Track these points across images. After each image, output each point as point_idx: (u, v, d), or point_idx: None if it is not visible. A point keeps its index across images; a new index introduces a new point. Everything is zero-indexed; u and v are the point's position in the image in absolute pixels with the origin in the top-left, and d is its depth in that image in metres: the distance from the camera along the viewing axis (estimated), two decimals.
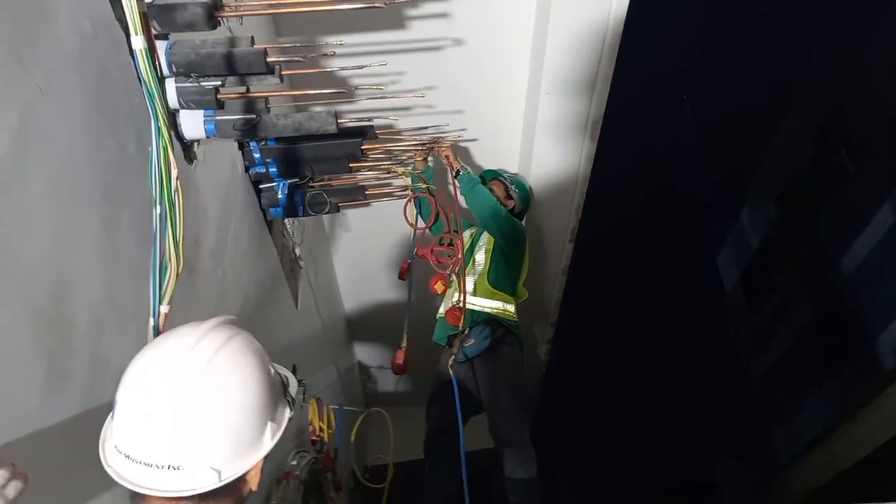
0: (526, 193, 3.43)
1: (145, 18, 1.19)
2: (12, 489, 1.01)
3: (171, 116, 1.76)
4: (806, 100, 6.64)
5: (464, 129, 3.26)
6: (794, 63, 6.29)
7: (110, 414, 1.07)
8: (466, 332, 3.05)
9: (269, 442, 1.07)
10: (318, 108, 2.56)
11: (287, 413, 1.13)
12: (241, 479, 1.05)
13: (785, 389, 7.14)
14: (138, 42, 1.18)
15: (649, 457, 6.51)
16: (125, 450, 1.02)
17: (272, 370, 1.13)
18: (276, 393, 1.11)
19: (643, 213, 7.32)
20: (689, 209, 7.69)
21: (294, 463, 2.91)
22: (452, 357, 2.85)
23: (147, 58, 1.20)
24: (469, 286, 3.14)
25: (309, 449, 3.30)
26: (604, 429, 7.08)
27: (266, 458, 1.10)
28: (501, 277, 3.19)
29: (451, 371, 2.79)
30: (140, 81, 1.56)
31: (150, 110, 1.27)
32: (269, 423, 1.07)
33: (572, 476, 6.26)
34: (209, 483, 0.99)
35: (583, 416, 7.17)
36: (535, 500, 2.83)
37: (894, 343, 5.64)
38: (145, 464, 0.99)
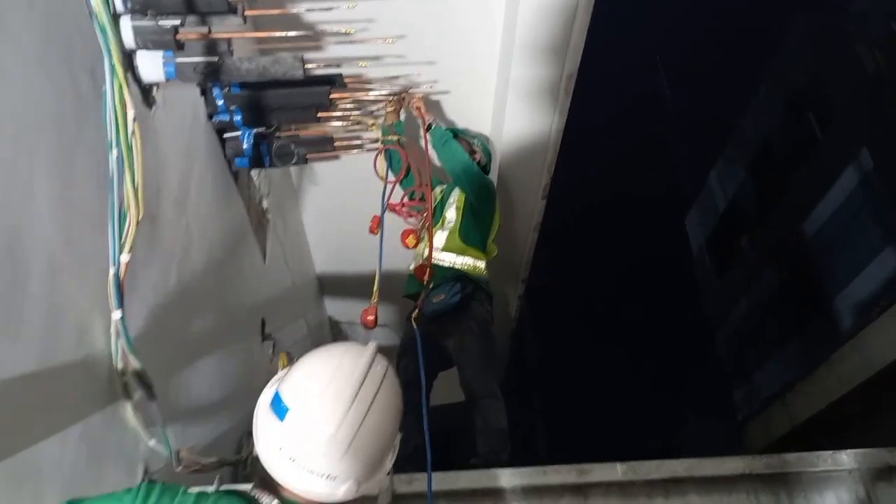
0: (489, 149, 3.40)
1: None
2: None
3: (128, 57, 1.68)
4: (779, 64, 6.67)
5: (435, 81, 3.19)
6: (769, 29, 6.29)
7: (270, 413, 1.15)
8: (435, 287, 3.05)
9: (389, 463, 1.18)
10: (285, 55, 2.47)
11: (398, 441, 1.24)
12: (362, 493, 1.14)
13: (748, 347, 7.35)
14: None
15: (619, 414, 6.68)
16: (293, 454, 1.10)
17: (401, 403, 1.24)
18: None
19: (614, 171, 7.36)
20: (660, 169, 7.74)
21: None
22: (416, 311, 2.83)
23: None
24: (439, 242, 3.13)
25: None
26: (572, 385, 7.22)
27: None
28: (472, 234, 3.18)
29: (414, 324, 2.78)
30: (91, 16, 1.47)
31: (103, 47, 1.20)
32: (391, 451, 1.20)
33: (544, 431, 6.40)
34: (348, 494, 1.10)
35: (552, 373, 7.30)
36: (505, 451, 2.88)
37: (851, 304, 5.81)
38: (308, 470, 1.09)
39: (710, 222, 8.09)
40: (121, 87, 1.23)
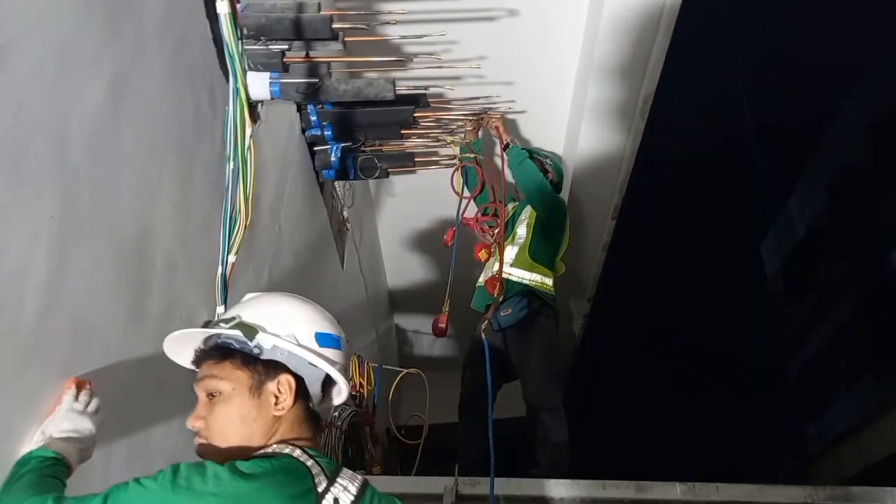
0: (560, 168, 3.47)
1: None
2: (93, 405, 1.16)
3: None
4: (865, 89, 6.44)
5: (513, 101, 3.30)
6: (856, 51, 6.10)
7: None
8: (504, 301, 3.13)
9: (313, 346, 1.18)
10: (373, 75, 2.65)
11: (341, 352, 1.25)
12: (270, 393, 1.13)
13: (822, 380, 7.06)
14: (223, 7, 1.27)
15: (680, 439, 6.54)
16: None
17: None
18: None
19: (688, 195, 7.24)
20: (736, 193, 7.57)
21: (336, 414, 3.05)
22: (486, 322, 2.92)
23: (230, 22, 1.28)
24: (509, 257, 3.21)
25: (349, 403, 3.45)
26: (638, 407, 7.12)
27: (300, 381, 1.18)
28: (541, 251, 3.24)
29: (483, 336, 2.87)
30: (217, 44, 1.67)
31: (230, 71, 1.36)
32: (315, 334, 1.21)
33: (606, 448, 6.34)
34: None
35: (616, 392, 7.22)
36: (564, 464, 2.92)
37: None
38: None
39: (787, 247, 7.84)
40: (242, 106, 1.39)
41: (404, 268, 4.92)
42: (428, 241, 4.41)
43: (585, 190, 3.88)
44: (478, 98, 3.02)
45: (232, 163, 1.46)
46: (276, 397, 1.12)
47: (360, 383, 3.54)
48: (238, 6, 1.73)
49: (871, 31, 5.86)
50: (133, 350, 1.43)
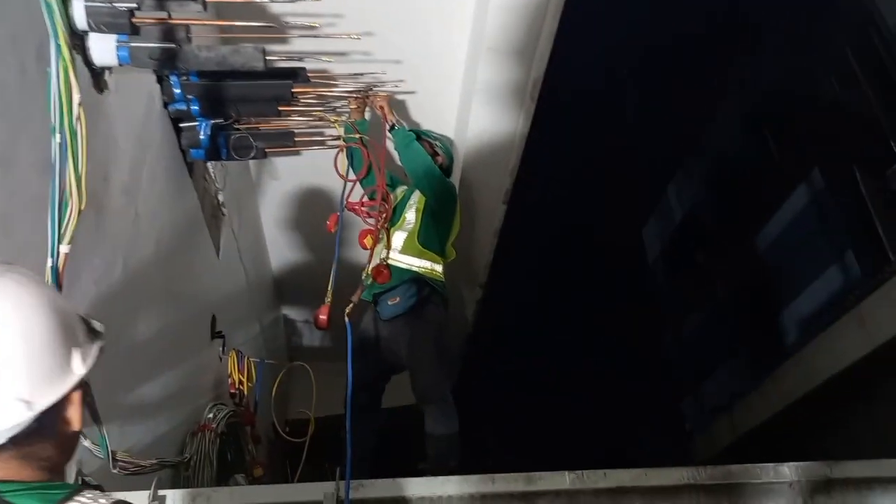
0: (450, 152, 3.39)
1: None
2: None
3: (79, 38, 1.61)
4: (739, 82, 6.83)
5: (401, 80, 3.16)
6: (734, 49, 6.45)
7: None
8: (391, 289, 3.01)
9: (79, 369, 0.98)
10: (246, 45, 2.41)
11: (97, 344, 1.05)
12: (60, 419, 0.96)
13: (698, 360, 7.50)
14: None
15: (570, 423, 6.73)
16: None
17: (60, 302, 1.02)
18: (72, 322, 1.02)
19: (576, 179, 7.41)
20: (621, 179, 7.84)
21: (210, 416, 2.82)
22: (350, 305, 2.76)
23: None
24: (398, 243, 3.09)
25: (227, 402, 3.21)
26: (525, 393, 7.25)
27: (87, 390, 1.02)
28: (431, 237, 3.15)
29: (346, 319, 2.69)
30: None
31: (49, 27, 1.13)
32: (75, 350, 0.99)
33: (495, 437, 6.40)
34: (20, 416, 0.89)
35: (507, 379, 7.32)
36: (454, 456, 2.86)
37: (797, 319, 5.98)
38: None
39: (666, 234, 8.23)
40: (66, 68, 1.17)
41: (290, 255, 4.68)
42: (314, 227, 4.18)
43: (476, 174, 3.81)
44: (363, 75, 2.85)
45: (58, 136, 1.23)
46: None
47: (240, 380, 3.32)
48: None
49: (752, 33, 6.21)
50: None
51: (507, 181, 3.90)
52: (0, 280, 0.95)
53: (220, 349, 3.23)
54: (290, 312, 5.60)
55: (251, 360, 3.42)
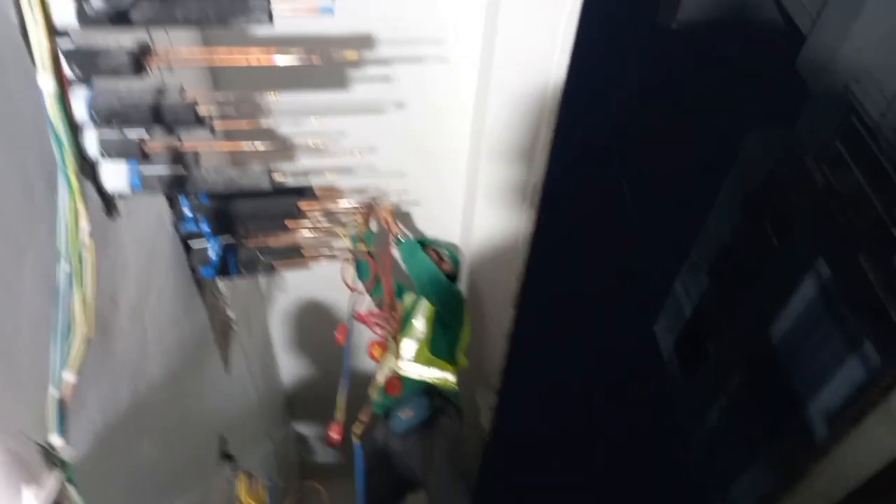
0: (456, 257, 3.42)
1: (56, 58, 1.11)
2: None
3: (91, 167, 1.67)
4: (737, 175, 6.97)
5: (405, 191, 3.25)
6: (727, 139, 6.64)
7: None
8: (403, 402, 2.94)
9: None
10: (255, 166, 2.50)
11: (57, 478, 0.97)
12: None
13: (722, 460, 7.18)
14: (46, 82, 1.09)
15: None
16: None
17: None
18: (22, 457, 0.95)
19: (584, 280, 7.42)
20: (628, 277, 7.85)
21: None
22: (362, 426, 2.69)
23: (57, 101, 1.11)
24: (408, 353, 3.05)
25: None
26: (547, 501, 6.92)
27: None
28: (441, 345, 3.11)
29: (355, 440, 2.61)
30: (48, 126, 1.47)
31: (58, 160, 1.17)
32: (25, 487, 0.91)
33: None
34: None
35: (527, 487, 7.01)
36: None
37: (823, 412, 5.76)
38: None
39: (678, 328, 8.12)
40: (74, 199, 1.19)
41: (300, 368, 4.62)
42: (323, 338, 4.15)
43: (484, 278, 3.82)
44: (368, 189, 2.93)
45: (65, 263, 1.23)
46: None
47: None
48: (86, 88, 1.56)
49: (745, 123, 6.42)
50: None
51: (515, 284, 3.90)
52: None
53: (230, 472, 3.11)
54: (302, 428, 5.45)
55: (262, 483, 3.28)
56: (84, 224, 1.22)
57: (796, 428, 5.95)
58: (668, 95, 6.34)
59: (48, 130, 1.47)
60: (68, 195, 1.18)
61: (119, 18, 1.40)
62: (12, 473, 0.86)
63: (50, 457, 0.97)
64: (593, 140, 6.00)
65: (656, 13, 6.16)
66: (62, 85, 1.11)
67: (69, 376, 1.35)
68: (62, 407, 1.35)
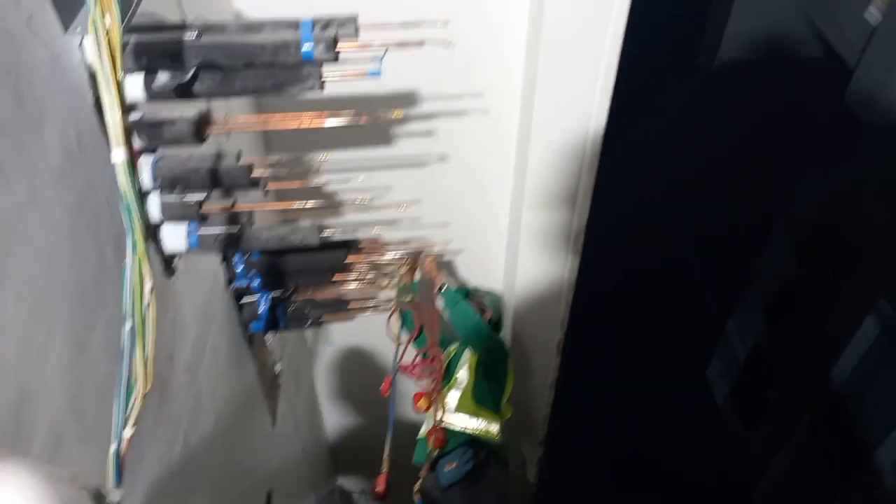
0: (499, 307, 3.43)
1: (128, 132, 1.19)
2: None
3: (153, 229, 1.75)
4: (791, 214, 6.83)
5: (449, 241, 3.29)
6: (781, 179, 6.53)
7: None
8: (447, 454, 2.92)
9: None
10: (305, 222, 2.58)
11: None
12: None
13: None
14: (118, 155, 1.17)
15: None
16: None
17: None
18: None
19: (629, 326, 7.29)
20: (676, 322, 7.68)
21: None
22: (419, 481, 2.68)
23: (128, 171, 1.18)
24: (452, 403, 3.04)
25: None
26: None
27: None
28: (485, 394, 3.10)
29: (416, 498, 2.62)
30: (119, 195, 1.56)
31: (126, 225, 1.24)
32: None
33: None
34: None
35: None
36: None
37: (894, 459, 5.47)
38: None
39: (733, 373, 7.85)
40: (140, 261, 1.26)
41: (345, 421, 4.63)
42: (370, 392, 4.16)
43: (527, 327, 3.81)
44: (412, 240, 2.98)
45: (129, 321, 1.29)
46: None
47: None
48: (151, 157, 1.65)
49: (798, 163, 6.32)
50: None
51: (559, 333, 3.86)
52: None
53: None
54: (346, 483, 5.42)
55: None
56: (148, 283, 1.27)
57: (865, 478, 5.64)
58: (713, 135, 6.30)
59: (116, 199, 1.57)
60: (134, 257, 1.24)
61: (183, 92, 1.49)
62: None
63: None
64: (637, 183, 5.97)
65: (696, 55, 6.17)
66: (132, 156, 1.18)
67: (128, 431, 1.40)
68: (120, 460, 1.40)
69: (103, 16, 1.18)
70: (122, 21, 1.21)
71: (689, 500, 6.89)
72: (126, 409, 1.35)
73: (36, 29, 1.34)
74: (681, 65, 6.14)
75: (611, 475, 7.20)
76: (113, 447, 1.35)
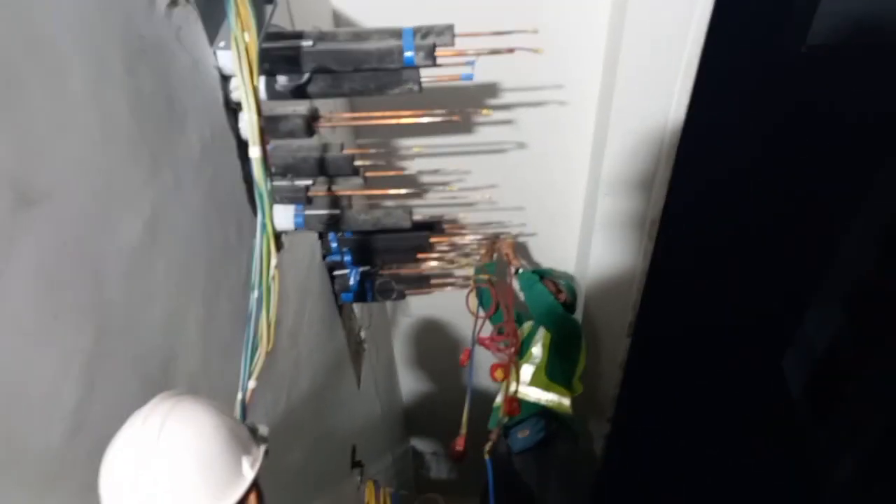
0: (573, 288, 3.54)
1: (262, 132, 1.40)
2: None
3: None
4: (874, 204, 6.57)
5: (524, 224, 3.44)
6: (862, 166, 6.28)
7: None
8: (521, 422, 3.10)
9: (249, 473, 1.14)
10: (391, 203, 2.80)
11: (262, 448, 1.22)
12: None
13: None
14: (255, 151, 1.39)
15: None
16: None
17: (230, 421, 1.18)
18: (241, 433, 1.18)
19: (701, 313, 7.21)
20: (752, 310, 7.53)
21: None
22: (490, 443, 2.86)
23: (262, 165, 1.40)
24: (526, 377, 3.21)
25: None
26: None
27: (259, 490, 1.18)
28: (557, 371, 3.24)
29: (487, 457, 2.79)
30: (247, 181, 1.80)
31: (258, 208, 1.47)
32: (245, 458, 1.15)
33: None
34: None
35: None
36: None
37: None
38: None
39: (809, 366, 7.66)
40: (269, 240, 1.49)
41: (419, 388, 4.89)
42: (443, 361, 4.41)
43: (599, 309, 3.91)
44: (490, 223, 3.15)
45: (256, 291, 1.53)
46: None
47: None
48: (268, 147, 1.89)
49: (880, 152, 6.06)
50: None
51: (630, 315, 3.95)
52: (179, 409, 1.12)
53: (359, 479, 3.40)
54: (418, 444, 5.72)
55: (387, 490, 3.55)
56: (273, 259, 1.50)
57: None
58: (797, 123, 6.10)
59: (240, 186, 1.82)
60: (263, 236, 1.47)
61: (299, 92, 1.71)
62: (237, 446, 1.15)
63: (255, 435, 1.26)
64: (715, 172, 5.87)
65: (782, 38, 5.96)
66: (265, 152, 1.40)
67: (252, 383, 1.65)
68: (244, 407, 1.66)
69: (243, 32, 1.39)
70: (258, 37, 1.42)
71: (753, 484, 6.84)
72: (250, 364, 1.60)
73: (182, 38, 1.58)
74: (766, 53, 5.95)
75: (675, 458, 7.22)
76: (239, 396, 1.61)
